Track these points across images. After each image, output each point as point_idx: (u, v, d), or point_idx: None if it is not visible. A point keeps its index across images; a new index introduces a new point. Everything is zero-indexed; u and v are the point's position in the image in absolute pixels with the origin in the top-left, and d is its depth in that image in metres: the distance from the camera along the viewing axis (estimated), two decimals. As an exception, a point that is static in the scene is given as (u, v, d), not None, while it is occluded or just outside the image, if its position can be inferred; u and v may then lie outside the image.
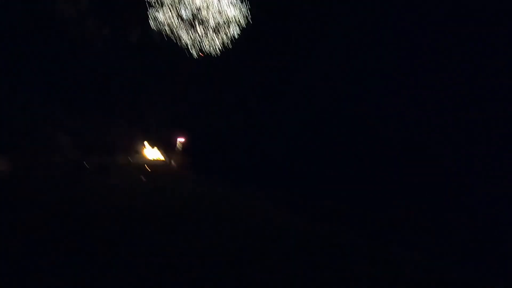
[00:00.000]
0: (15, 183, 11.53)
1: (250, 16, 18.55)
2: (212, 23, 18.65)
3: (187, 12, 18.67)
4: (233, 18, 18.57)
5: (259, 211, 13.78)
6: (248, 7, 18.59)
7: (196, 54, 19.04)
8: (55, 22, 17.41)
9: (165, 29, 18.72)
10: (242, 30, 18.68)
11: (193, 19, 18.52)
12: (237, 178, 18.89)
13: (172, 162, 23.65)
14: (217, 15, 18.49)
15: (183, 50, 19.16)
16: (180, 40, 18.90)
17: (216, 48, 19.06)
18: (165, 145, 24.18)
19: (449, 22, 16.78)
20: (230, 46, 18.87)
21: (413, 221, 15.02)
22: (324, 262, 8.57)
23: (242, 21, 18.54)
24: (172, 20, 18.41)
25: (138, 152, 23.49)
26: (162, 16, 18.58)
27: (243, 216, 13.24)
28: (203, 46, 19.05)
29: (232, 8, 18.45)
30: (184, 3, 18.57)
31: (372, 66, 18.52)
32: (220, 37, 18.82)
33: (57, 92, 18.00)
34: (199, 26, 18.52)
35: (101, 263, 6.14)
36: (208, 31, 18.64)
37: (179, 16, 18.48)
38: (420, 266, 9.93)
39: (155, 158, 24.32)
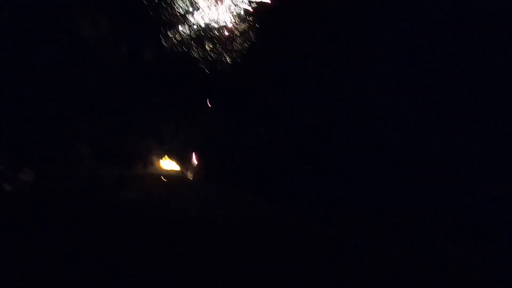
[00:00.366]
0: (36, 193, 11.82)
1: (258, 28, 19.55)
2: (220, 38, 19.78)
3: (196, 30, 19.96)
4: (241, 32, 19.59)
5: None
6: (255, 20, 19.60)
7: (207, 69, 20.14)
8: (74, 39, 19.03)
9: (176, 47, 20.08)
10: (250, 43, 19.73)
11: (203, 36, 19.75)
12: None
13: (187, 172, 24.61)
14: (225, 30, 19.56)
15: (195, 66, 20.46)
16: (190, 56, 20.20)
17: (225, 62, 20.22)
18: (180, 156, 25.17)
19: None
20: (239, 60, 19.98)
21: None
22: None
23: (250, 34, 19.51)
24: (182, 38, 19.65)
25: (153, 163, 24.54)
26: (173, 35, 19.93)
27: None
28: (212, 61, 20.25)
29: (240, 23, 19.48)
30: (192, 23, 19.80)
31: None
32: (228, 52, 19.92)
33: (77, 104, 19.30)
34: (207, 42, 19.64)
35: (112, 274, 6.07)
36: (216, 47, 19.76)
37: (189, 34, 19.74)
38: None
39: (171, 169, 24.81)
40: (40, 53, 17.27)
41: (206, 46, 19.57)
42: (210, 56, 19.88)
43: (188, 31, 20.12)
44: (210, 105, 22.96)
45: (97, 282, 5.54)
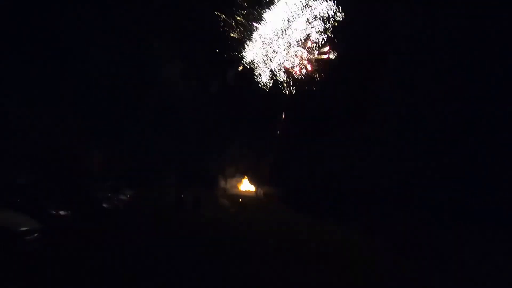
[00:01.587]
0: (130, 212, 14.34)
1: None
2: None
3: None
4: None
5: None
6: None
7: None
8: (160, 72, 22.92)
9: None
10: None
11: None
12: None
13: (261, 193, 27.12)
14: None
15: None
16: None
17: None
18: (255, 178, 28.12)
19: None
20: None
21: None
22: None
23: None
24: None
25: (232, 185, 27.61)
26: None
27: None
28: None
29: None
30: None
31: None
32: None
33: (165, 132, 23.36)
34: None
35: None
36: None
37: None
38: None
39: (247, 190, 27.96)
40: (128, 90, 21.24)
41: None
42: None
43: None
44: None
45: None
